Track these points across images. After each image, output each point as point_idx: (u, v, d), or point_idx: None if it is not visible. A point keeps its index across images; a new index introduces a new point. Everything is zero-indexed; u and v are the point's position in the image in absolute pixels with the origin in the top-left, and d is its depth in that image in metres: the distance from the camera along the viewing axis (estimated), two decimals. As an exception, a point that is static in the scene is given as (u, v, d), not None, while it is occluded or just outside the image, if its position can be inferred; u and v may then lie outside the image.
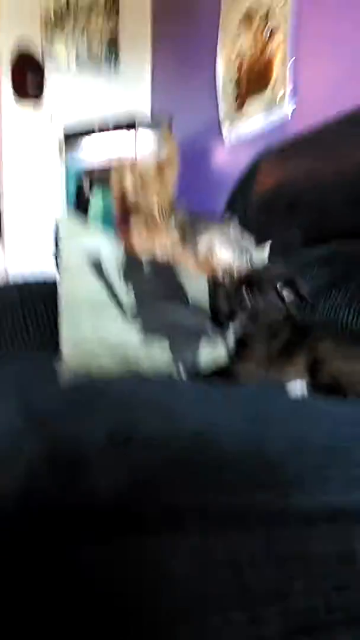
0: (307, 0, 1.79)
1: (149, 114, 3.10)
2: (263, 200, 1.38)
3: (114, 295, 1.09)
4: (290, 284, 0.93)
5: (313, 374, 0.90)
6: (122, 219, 1.26)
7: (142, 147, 2.53)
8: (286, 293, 0.93)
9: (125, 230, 1.31)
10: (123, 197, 1.26)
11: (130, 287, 1.09)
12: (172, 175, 1.25)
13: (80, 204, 2.84)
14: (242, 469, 0.51)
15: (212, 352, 1.01)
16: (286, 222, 1.31)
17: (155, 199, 1.22)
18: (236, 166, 2.26)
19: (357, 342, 0.94)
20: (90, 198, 2.83)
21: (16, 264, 2.99)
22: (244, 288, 0.96)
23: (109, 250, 1.16)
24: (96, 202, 2.91)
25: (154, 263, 1.16)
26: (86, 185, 2.82)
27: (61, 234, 1.18)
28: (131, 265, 1.14)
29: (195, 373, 1.00)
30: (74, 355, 1.05)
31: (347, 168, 1.13)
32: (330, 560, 0.40)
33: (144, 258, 1.17)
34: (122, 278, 1.11)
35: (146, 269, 1.14)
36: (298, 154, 1.31)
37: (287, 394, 0.88)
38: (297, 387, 0.89)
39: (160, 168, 1.25)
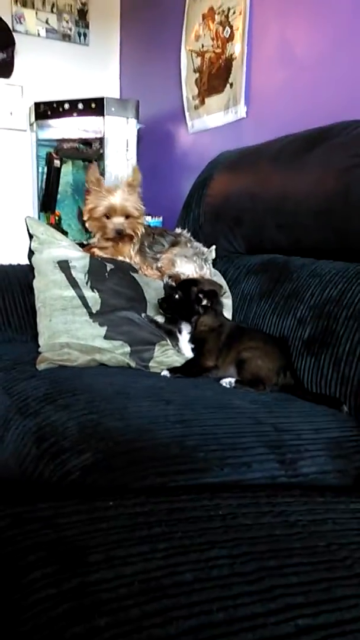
0: (261, 4, 1.93)
1: (117, 94, 3.19)
2: (213, 210, 1.59)
3: (81, 296, 1.30)
4: (209, 295, 1.20)
5: (239, 370, 1.16)
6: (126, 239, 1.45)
7: (110, 128, 2.64)
8: (205, 300, 1.23)
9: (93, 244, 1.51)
10: (91, 212, 1.44)
11: (96, 291, 1.30)
12: (136, 193, 1.43)
13: (50, 176, 2.94)
14: (170, 456, 0.76)
15: (164, 353, 1.24)
16: (232, 232, 1.53)
17: (123, 218, 1.41)
18: (198, 154, 2.42)
19: (274, 344, 1.20)
20: (61, 170, 2.95)
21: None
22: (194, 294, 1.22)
23: (77, 257, 1.36)
24: (66, 174, 3.03)
25: (117, 269, 1.37)
26: (56, 158, 2.92)
27: (34, 243, 1.37)
28: (97, 270, 1.35)
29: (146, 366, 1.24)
30: (48, 345, 1.26)
31: (278, 192, 1.35)
32: (226, 519, 0.64)
33: (108, 265, 1.37)
34: (89, 282, 1.32)
35: (110, 274, 1.35)
36: (245, 172, 1.51)
37: (219, 386, 1.14)
38: (227, 382, 1.14)
39: (130, 186, 1.43)
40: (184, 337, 1.25)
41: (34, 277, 1.37)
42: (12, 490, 0.86)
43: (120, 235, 1.41)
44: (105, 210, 1.41)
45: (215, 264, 1.55)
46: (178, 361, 1.24)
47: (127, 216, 1.42)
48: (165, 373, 1.18)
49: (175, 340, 1.27)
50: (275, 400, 1.08)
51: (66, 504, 0.57)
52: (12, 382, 1.13)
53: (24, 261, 1.54)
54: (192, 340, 1.23)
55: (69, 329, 1.26)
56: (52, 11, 3.00)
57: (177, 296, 1.22)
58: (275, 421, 0.94)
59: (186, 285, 1.24)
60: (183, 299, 1.22)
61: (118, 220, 1.41)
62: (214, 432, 0.84)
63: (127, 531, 0.53)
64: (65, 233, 2.85)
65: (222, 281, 1.49)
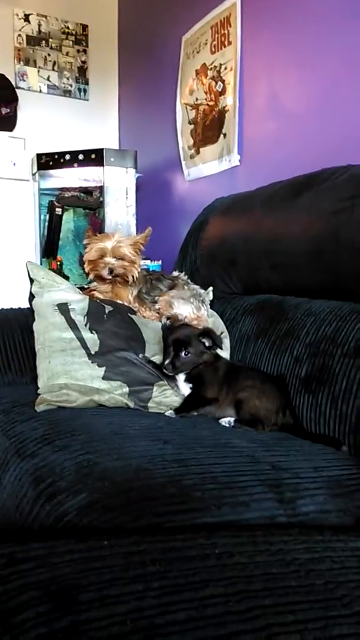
0: (251, 60, 2.04)
1: (116, 145, 3.33)
2: (209, 252, 1.63)
3: (80, 338, 1.31)
4: (207, 335, 1.20)
5: (238, 410, 1.16)
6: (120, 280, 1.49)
7: (109, 178, 2.74)
8: (206, 341, 1.21)
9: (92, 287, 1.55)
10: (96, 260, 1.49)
11: (94, 332, 1.32)
12: (134, 244, 1.49)
13: (52, 223, 3.03)
14: (166, 495, 0.76)
15: (163, 393, 1.25)
16: (227, 273, 1.57)
17: (125, 265, 1.46)
18: (194, 200, 2.50)
19: (272, 383, 1.21)
20: (63, 218, 3.03)
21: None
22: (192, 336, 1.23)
23: (76, 299, 1.39)
24: (68, 221, 3.11)
25: (115, 311, 1.40)
26: (58, 206, 3.01)
27: (34, 287, 1.40)
28: (95, 312, 1.37)
29: (145, 406, 1.24)
30: (47, 386, 1.27)
31: (270, 234, 1.39)
32: (222, 557, 0.64)
33: (107, 306, 1.40)
34: (87, 324, 1.34)
35: (108, 316, 1.37)
36: (239, 216, 1.56)
37: (218, 426, 1.14)
38: (226, 421, 1.14)
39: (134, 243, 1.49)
40: (181, 377, 1.25)
41: (34, 319, 1.39)
42: (9, 531, 0.85)
43: (113, 275, 1.45)
44: (99, 252, 1.46)
45: (212, 305, 1.58)
46: (177, 401, 1.25)
47: (121, 258, 1.46)
48: (169, 413, 1.19)
49: (172, 380, 1.27)
50: (274, 439, 1.08)
51: (60, 543, 0.57)
52: (11, 423, 1.13)
53: (26, 305, 1.57)
54: (189, 379, 1.24)
55: (68, 370, 1.28)
56: (53, 69, 3.17)
57: (185, 353, 1.22)
58: (273, 460, 0.93)
59: (182, 338, 1.24)
60: (191, 352, 1.22)
61: (109, 260, 1.45)
62: (212, 471, 0.84)
63: (121, 570, 0.52)
64: (66, 278, 2.90)
65: (219, 321, 1.51)
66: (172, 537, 0.63)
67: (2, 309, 1.74)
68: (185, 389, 1.25)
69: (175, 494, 0.76)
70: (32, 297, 1.40)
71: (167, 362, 1.21)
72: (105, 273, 1.45)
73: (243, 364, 1.37)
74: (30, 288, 1.42)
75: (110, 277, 1.44)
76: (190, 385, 1.24)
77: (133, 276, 1.46)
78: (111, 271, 1.44)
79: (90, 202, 2.99)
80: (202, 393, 1.21)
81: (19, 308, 1.72)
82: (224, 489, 0.80)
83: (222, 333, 1.43)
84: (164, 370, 1.23)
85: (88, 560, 0.54)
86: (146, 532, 0.66)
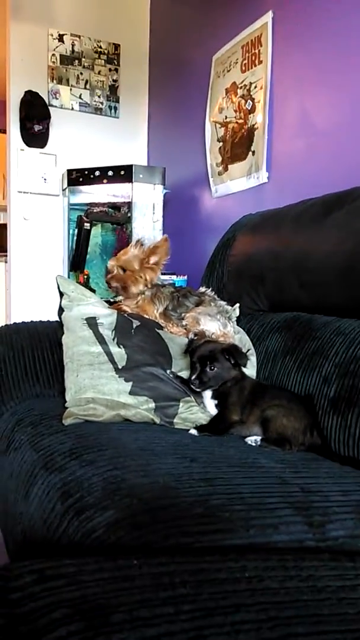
0: (281, 78, 2.06)
1: (145, 161, 3.38)
2: (236, 269, 1.63)
3: (107, 352, 1.33)
4: (229, 352, 1.19)
5: (265, 429, 1.15)
6: (120, 289, 1.52)
7: (138, 194, 2.78)
8: (230, 358, 1.22)
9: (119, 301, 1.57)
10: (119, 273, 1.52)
11: (122, 346, 1.33)
12: (162, 259, 1.51)
13: (80, 238, 3.08)
14: (194, 515, 0.75)
15: (189, 409, 1.25)
16: (255, 290, 1.57)
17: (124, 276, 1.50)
18: (221, 217, 2.52)
19: (299, 402, 1.19)
20: (91, 232, 3.09)
21: (20, 284, 3.21)
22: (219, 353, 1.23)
23: (105, 314, 1.41)
24: (96, 236, 3.17)
25: (142, 326, 1.41)
26: (87, 221, 3.07)
27: (64, 300, 1.43)
28: (123, 326, 1.38)
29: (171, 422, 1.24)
30: (75, 400, 1.28)
31: (299, 251, 1.38)
32: (252, 582, 0.63)
33: (134, 321, 1.41)
34: (115, 338, 1.35)
35: (136, 331, 1.38)
36: (267, 233, 1.56)
37: (245, 445, 1.13)
38: (253, 440, 1.13)
39: (152, 252, 1.51)
40: (207, 393, 1.25)
41: (62, 333, 1.41)
42: (37, 545, 0.85)
43: (113, 286, 1.48)
44: (109, 264, 1.53)
45: (239, 321, 1.57)
46: (203, 418, 1.24)
47: (123, 269, 1.50)
48: (192, 432, 1.18)
49: (199, 397, 1.27)
50: (301, 460, 1.06)
51: (90, 560, 0.57)
52: (39, 437, 1.14)
53: (54, 318, 1.59)
54: (215, 396, 1.23)
55: (95, 384, 1.28)
56: (85, 87, 3.25)
57: (211, 368, 1.22)
58: (302, 482, 0.92)
59: (206, 353, 1.24)
60: (217, 367, 1.22)
61: (111, 269, 1.49)
62: (239, 492, 0.83)
63: (151, 591, 0.52)
64: (93, 291, 2.94)
65: (246, 338, 1.51)
66: (201, 558, 0.62)
67: (32, 321, 1.77)
68: (211, 405, 1.25)
69: (204, 514, 0.76)
70: (61, 310, 1.42)
71: (194, 377, 1.21)
72: (106, 277, 1.51)
73: (270, 383, 1.36)
74: (60, 302, 1.44)
75: (112, 286, 1.50)
76: (216, 402, 1.24)
77: (129, 284, 1.50)
78: (109, 271, 1.50)
79: (118, 218, 3.04)
80: (227, 415, 1.20)
81: (48, 321, 1.74)
82: (251, 511, 0.79)
83: (248, 350, 1.42)
84: (191, 386, 1.23)
85: (117, 579, 0.53)
86: (175, 552, 0.66)
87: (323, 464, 1.05)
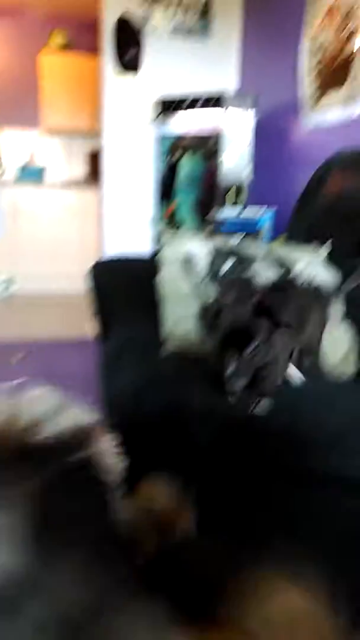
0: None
1: (235, 88, 3.27)
2: (328, 205, 1.64)
3: (201, 290, 1.44)
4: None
5: None
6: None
7: (228, 122, 2.74)
8: None
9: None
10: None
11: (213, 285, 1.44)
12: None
13: (170, 166, 3.14)
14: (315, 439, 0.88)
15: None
16: (345, 230, 1.58)
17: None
18: (314, 148, 2.44)
19: None
20: (181, 162, 3.13)
21: (113, 211, 3.34)
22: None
23: (199, 250, 1.51)
24: (185, 165, 3.19)
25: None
26: (176, 150, 3.10)
27: (162, 241, 1.54)
28: (218, 267, 1.48)
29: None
30: (173, 331, 1.43)
31: None
32: None
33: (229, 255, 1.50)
34: (209, 274, 1.46)
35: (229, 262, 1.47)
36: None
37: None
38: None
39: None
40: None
41: (159, 270, 1.54)
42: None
43: None
44: None
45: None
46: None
47: None
48: None
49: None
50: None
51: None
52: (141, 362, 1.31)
53: (144, 247, 1.67)
54: None
55: (192, 316, 1.42)
56: (177, 7, 3.14)
57: None
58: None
59: None
60: None
61: None
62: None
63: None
64: (181, 221, 3.03)
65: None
66: None
67: (129, 258, 1.91)
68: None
69: None
70: (158, 249, 1.55)
71: None
72: None
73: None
74: (156, 240, 1.56)
75: None
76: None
77: None
78: None
79: (207, 147, 3.04)
80: None
81: (142, 259, 1.86)
82: None
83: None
84: None
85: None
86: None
87: None
